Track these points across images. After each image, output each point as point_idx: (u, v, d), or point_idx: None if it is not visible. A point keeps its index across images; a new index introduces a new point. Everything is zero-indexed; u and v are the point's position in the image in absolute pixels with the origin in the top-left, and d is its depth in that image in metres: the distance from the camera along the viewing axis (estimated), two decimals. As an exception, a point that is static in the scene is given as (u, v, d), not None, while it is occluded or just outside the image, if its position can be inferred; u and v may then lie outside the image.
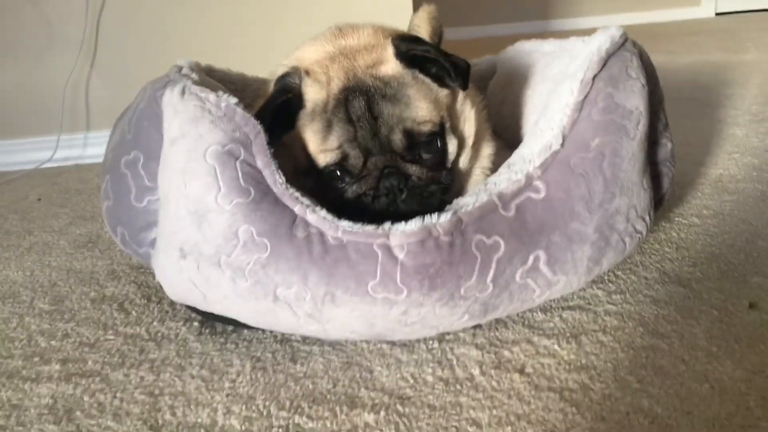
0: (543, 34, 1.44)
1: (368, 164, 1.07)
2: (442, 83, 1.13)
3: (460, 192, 1.19)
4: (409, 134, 1.07)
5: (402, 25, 1.64)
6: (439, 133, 1.11)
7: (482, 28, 6.18)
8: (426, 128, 1.09)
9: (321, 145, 1.08)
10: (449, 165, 1.14)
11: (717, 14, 6.26)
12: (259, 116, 1.05)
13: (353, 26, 1.23)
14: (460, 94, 1.18)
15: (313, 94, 1.10)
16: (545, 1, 6.35)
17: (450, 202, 1.07)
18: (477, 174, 1.24)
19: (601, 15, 6.12)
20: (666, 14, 6.26)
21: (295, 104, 1.11)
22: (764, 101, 2.59)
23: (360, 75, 1.10)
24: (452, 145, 1.14)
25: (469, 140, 1.19)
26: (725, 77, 3.15)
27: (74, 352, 1.14)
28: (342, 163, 1.07)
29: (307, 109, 1.11)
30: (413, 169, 1.08)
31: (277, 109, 1.09)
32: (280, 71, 1.17)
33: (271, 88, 1.21)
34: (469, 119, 1.19)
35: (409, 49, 1.12)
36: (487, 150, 1.27)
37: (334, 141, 1.07)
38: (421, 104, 1.09)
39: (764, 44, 4.07)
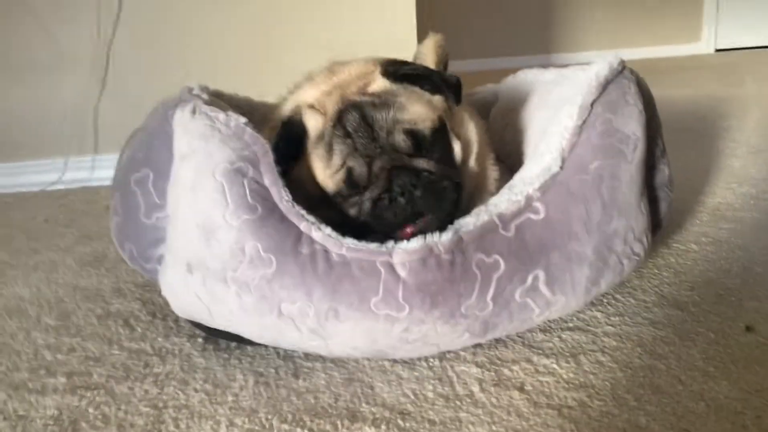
0: (545, 67, 1.48)
1: (374, 169, 1.09)
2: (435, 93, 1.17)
3: (473, 200, 1.20)
4: (412, 134, 1.10)
5: (407, 55, 1.69)
6: (441, 131, 1.13)
7: (486, 60, 6.28)
8: (426, 126, 1.12)
9: (327, 169, 1.11)
10: (457, 163, 1.16)
11: (717, 50, 6.36)
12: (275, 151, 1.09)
13: (344, 63, 1.28)
14: (455, 108, 1.22)
15: (314, 122, 1.14)
16: (547, 36, 6.46)
17: (464, 205, 1.10)
18: (485, 198, 1.26)
19: (602, 50, 6.22)
20: (667, 50, 6.35)
21: (301, 135, 1.15)
22: (762, 133, 2.63)
23: (351, 96, 1.14)
24: (457, 146, 1.16)
25: (474, 145, 1.22)
26: (724, 110, 3.20)
27: (80, 365, 1.16)
28: (349, 179, 1.09)
29: (311, 137, 1.14)
30: (423, 164, 1.10)
31: (286, 141, 1.13)
32: (284, 111, 1.22)
33: (277, 113, 1.25)
34: (470, 128, 1.22)
35: (396, 69, 1.17)
36: (493, 174, 1.29)
37: (337, 159, 1.10)
38: (414, 107, 1.12)
39: (762, 79, 4.13)
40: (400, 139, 1.10)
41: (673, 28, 6.36)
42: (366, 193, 1.10)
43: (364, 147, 1.09)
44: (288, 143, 1.13)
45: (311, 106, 1.17)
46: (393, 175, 1.08)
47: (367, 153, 1.09)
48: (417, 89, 1.17)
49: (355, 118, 1.11)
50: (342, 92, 1.17)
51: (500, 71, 1.79)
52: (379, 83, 1.17)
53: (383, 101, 1.12)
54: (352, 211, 1.12)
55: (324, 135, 1.13)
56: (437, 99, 1.18)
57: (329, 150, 1.11)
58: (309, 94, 1.22)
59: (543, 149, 1.14)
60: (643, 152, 1.14)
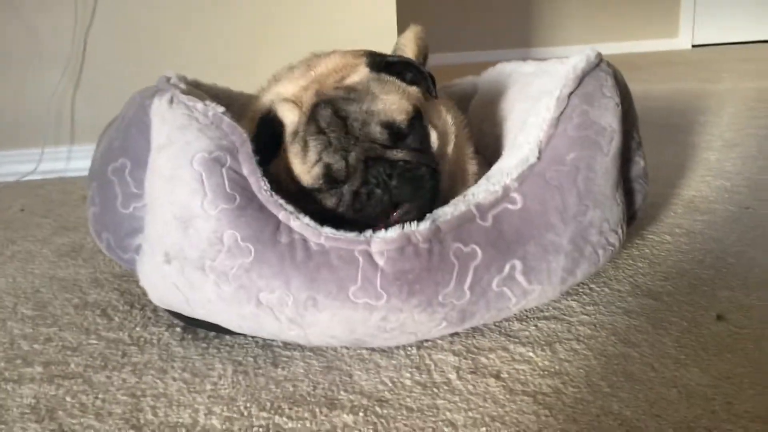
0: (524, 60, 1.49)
1: (350, 162, 1.08)
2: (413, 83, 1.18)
3: (451, 193, 1.19)
4: (388, 125, 1.10)
5: (387, 47, 1.69)
6: (417, 120, 1.13)
7: (467, 54, 6.29)
8: (402, 116, 1.11)
9: (303, 164, 1.11)
10: (434, 149, 1.15)
11: (694, 46, 6.43)
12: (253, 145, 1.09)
13: (323, 55, 1.28)
14: (435, 101, 1.22)
15: (290, 117, 1.14)
16: (528, 30, 6.49)
17: (443, 195, 1.11)
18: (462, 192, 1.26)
19: (581, 44, 6.25)
20: (645, 45, 6.41)
21: (278, 131, 1.15)
22: (737, 128, 2.67)
23: (325, 91, 1.14)
24: (433, 134, 1.16)
25: (451, 136, 1.22)
26: (700, 105, 3.24)
27: (57, 355, 1.15)
28: (327, 174, 1.09)
29: (288, 132, 1.14)
30: (399, 154, 1.09)
31: (263, 137, 1.13)
32: (262, 105, 1.22)
33: (256, 104, 1.25)
34: (447, 120, 1.22)
35: (381, 59, 1.17)
36: (471, 168, 1.30)
37: (312, 155, 1.10)
38: (388, 97, 1.12)
39: (738, 75, 4.19)
40: (376, 131, 1.10)
41: (651, 24, 6.42)
42: (345, 187, 1.10)
43: (339, 141, 1.09)
44: (265, 139, 1.13)
45: (288, 101, 1.17)
46: (368, 167, 1.08)
47: (342, 147, 1.09)
48: (394, 80, 1.17)
49: (328, 114, 1.10)
50: (318, 86, 1.16)
51: (480, 64, 1.79)
52: (356, 76, 1.16)
53: (358, 94, 1.12)
54: (331, 203, 1.12)
55: (298, 131, 1.13)
56: (413, 90, 1.18)
57: (304, 146, 1.11)
58: (286, 89, 1.21)
59: (521, 140, 1.15)
60: (619, 144, 1.16)
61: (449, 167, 1.22)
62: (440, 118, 1.22)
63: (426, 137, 1.15)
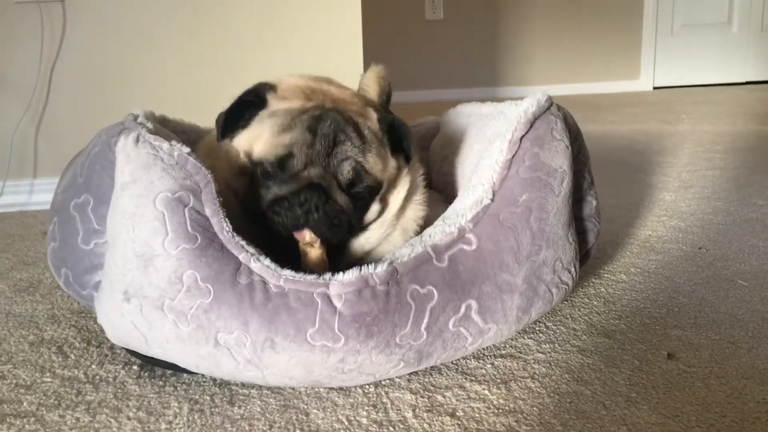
0: (491, 100, 1.53)
1: (305, 172, 1.13)
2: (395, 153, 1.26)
3: (387, 240, 1.26)
4: (357, 174, 1.16)
5: (353, 82, 1.72)
6: (374, 190, 1.20)
7: (435, 92, 6.40)
8: (370, 180, 1.17)
9: (273, 138, 1.15)
10: (365, 217, 1.22)
11: (655, 88, 6.62)
12: (225, 113, 1.21)
13: (333, 81, 1.38)
14: (404, 170, 1.29)
15: (277, 104, 1.22)
16: (494, 70, 6.62)
17: (346, 248, 1.20)
18: (396, 235, 1.29)
19: (545, 84, 6.40)
20: (607, 86, 6.59)
21: (256, 106, 1.22)
22: (693, 169, 2.75)
23: (345, 109, 1.21)
24: (375, 208, 1.22)
25: (388, 214, 1.26)
26: (659, 146, 3.34)
27: (9, 393, 1.13)
28: (284, 160, 1.14)
29: (269, 109, 1.21)
30: (340, 200, 1.15)
31: (239, 106, 1.22)
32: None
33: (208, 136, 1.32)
34: (399, 193, 1.28)
35: (391, 121, 1.26)
36: (418, 214, 1.33)
37: (287, 138, 1.15)
38: (376, 162, 1.19)
39: (697, 116, 4.32)
40: (347, 170, 1.15)
41: (614, 66, 6.60)
42: (280, 186, 1.14)
43: (317, 152, 1.14)
44: (244, 108, 1.22)
45: (281, 89, 1.25)
46: (310, 188, 1.12)
47: (313, 157, 1.14)
48: (387, 150, 1.24)
49: (330, 129, 1.16)
50: (336, 98, 1.26)
51: (449, 102, 1.84)
52: (374, 123, 1.24)
53: (361, 141, 1.18)
54: (259, 192, 1.16)
55: (288, 113, 1.18)
56: (392, 166, 1.25)
57: (288, 126, 1.16)
58: (294, 80, 1.29)
59: (475, 182, 1.18)
60: (570, 185, 1.19)
61: (381, 219, 1.26)
62: (395, 190, 1.28)
63: (367, 206, 1.21)
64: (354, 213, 1.17)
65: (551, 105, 1.23)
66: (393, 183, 1.27)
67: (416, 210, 1.32)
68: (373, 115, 1.26)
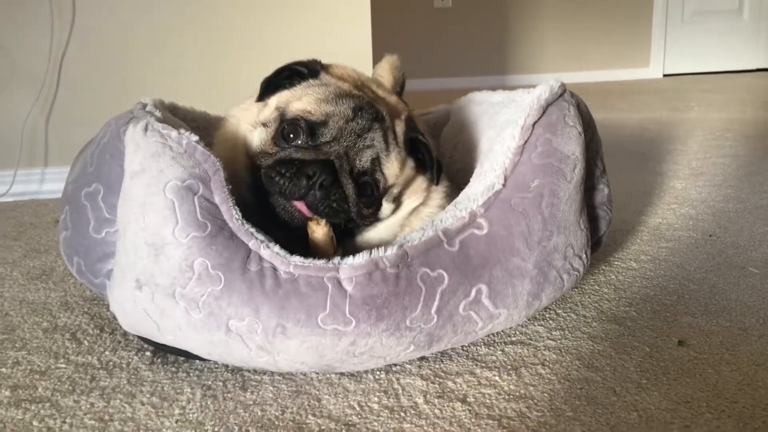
0: (500, 88, 1.53)
1: (328, 146, 1.15)
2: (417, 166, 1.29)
3: (370, 240, 1.27)
4: (373, 165, 1.18)
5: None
6: (380, 185, 1.21)
7: (444, 80, 6.38)
8: (380, 175, 1.19)
9: (316, 104, 1.18)
10: (375, 214, 1.23)
11: (665, 75, 6.58)
12: (272, 74, 1.26)
13: (383, 84, 1.44)
14: (420, 177, 1.30)
15: (328, 79, 1.25)
16: (503, 58, 6.60)
17: (354, 237, 1.22)
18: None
19: (557, 72, 6.38)
20: (617, 74, 6.55)
21: (302, 78, 1.26)
22: (703, 157, 2.74)
23: (382, 108, 1.23)
24: (387, 206, 1.24)
25: (400, 213, 1.28)
26: (669, 134, 3.32)
27: (24, 379, 1.15)
28: (316, 126, 1.16)
29: (320, 80, 1.25)
30: (349, 188, 1.16)
31: (288, 72, 1.26)
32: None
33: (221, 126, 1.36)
34: (414, 194, 1.30)
35: (418, 133, 1.28)
36: (427, 210, 1.34)
37: (329, 108, 1.17)
38: (393, 164, 1.21)
39: (707, 104, 4.30)
40: (367, 159, 1.17)
41: (624, 54, 6.57)
42: (297, 150, 1.15)
43: (348, 133, 1.16)
44: (292, 75, 1.26)
45: (334, 73, 1.30)
46: (322, 163, 1.13)
47: (342, 137, 1.15)
48: (406, 154, 1.26)
49: (370, 115, 1.18)
50: (382, 95, 1.30)
51: (459, 90, 1.84)
52: (403, 129, 1.26)
53: (385, 143, 1.19)
54: (276, 146, 1.17)
55: (338, 90, 1.21)
56: (410, 172, 1.27)
57: (334, 99, 1.19)
58: (345, 69, 1.34)
59: (487, 167, 1.18)
60: (582, 172, 1.19)
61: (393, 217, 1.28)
62: (411, 188, 1.29)
63: (373, 201, 1.21)
64: (355, 203, 1.17)
65: (564, 92, 1.23)
66: (409, 184, 1.28)
67: (430, 207, 1.34)
68: (403, 122, 1.27)
